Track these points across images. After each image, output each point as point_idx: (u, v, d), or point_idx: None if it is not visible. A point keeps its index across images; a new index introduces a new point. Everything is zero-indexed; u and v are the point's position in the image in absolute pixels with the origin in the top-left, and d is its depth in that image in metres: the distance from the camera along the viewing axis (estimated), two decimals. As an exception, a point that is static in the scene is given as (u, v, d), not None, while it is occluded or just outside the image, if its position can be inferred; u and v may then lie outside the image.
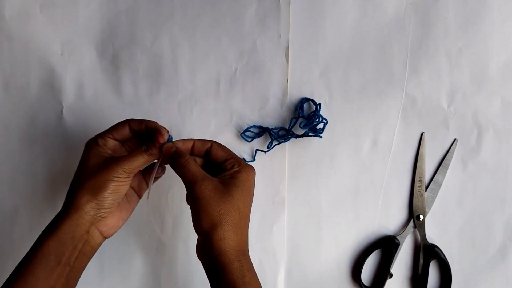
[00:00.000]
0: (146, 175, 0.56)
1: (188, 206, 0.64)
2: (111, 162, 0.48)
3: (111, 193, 0.48)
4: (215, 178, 0.50)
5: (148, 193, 0.55)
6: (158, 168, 0.54)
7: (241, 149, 0.64)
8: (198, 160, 0.53)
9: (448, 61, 0.61)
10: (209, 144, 0.53)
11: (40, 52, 0.65)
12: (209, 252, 0.48)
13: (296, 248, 0.64)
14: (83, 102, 0.65)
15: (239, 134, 0.64)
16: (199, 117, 0.64)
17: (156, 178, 0.56)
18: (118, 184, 0.48)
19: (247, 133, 0.64)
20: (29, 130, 0.66)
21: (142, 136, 0.53)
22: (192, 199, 0.48)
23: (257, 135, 0.64)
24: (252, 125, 0.63)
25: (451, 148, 0.62)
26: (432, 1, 0.61)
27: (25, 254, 0.65)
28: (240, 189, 0.49)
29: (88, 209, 0.48)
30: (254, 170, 0.52)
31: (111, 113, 0.65)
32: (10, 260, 0.66)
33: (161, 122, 0.64)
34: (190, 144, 0.53)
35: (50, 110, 0.65)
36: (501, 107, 0.61)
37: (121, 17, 0.64)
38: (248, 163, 0.63)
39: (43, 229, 0.65)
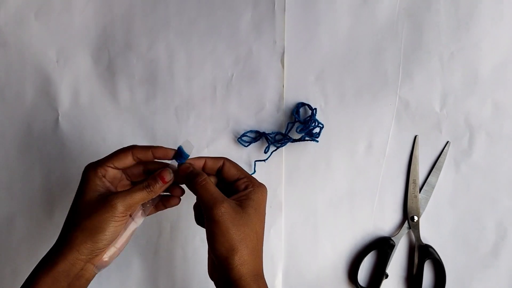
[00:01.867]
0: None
1: (185, 211, 0.65)
2: (109, 200, 0.46)
3: (107, 235, 0.46)
4: (231, 199, 0.48)
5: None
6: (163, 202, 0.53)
7: (238, 154, 0.64)
8: (213, 179, 0.52)
9: (440, 65, 0.62)
10: (221, 162, 0.51)
11: (35, 59, 0.65)
12: (226, 276, 0.47)
13: (293, 250, 0.65)
14: (79, 109, 0.65)
15: (236, 139, 0.64)
16: (196, 123, 0.64)
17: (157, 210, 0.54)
18: (116, 224, 0.46)
19: (244, 138, 0.64)
20: (25, 137, 0.65)
21: (147, 162, 0.51)
22: (211, 221, 0.46)
23: (254, 140, 0.64)
24: (248, 130, 0.64)
25: (444, 150, 0.63)
26: (425, 6, 0.62)
27: (21, 262, 0.65)
28: (257, 211, 0.48)
29: (83, 250, 0.46)
30: (266, 188, 0.51)
31: (108, 120, 0.65)
32: (7, 267, 0.66)
33: (158, 128, 0.65)
34: (201, 163, 0.51)
35: (46, 117, 0.65)
36: (492, 110, 0.62)
37: (117, 24, 0.64)
38: (253, 175, 0.63)
39: (40, 236, 0.66)
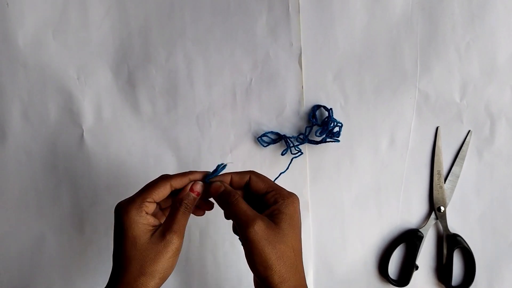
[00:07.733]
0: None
1: (213, 217, 0.65)
2: (166, 239, 0.46)
3: (174, 267, 0.47)
4: (264, 214, 0.47)
5: None
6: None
7: (262, 158, 0.65)
8: (239, 193, 0.51)
9: (457, 56, 0.62)
10: (247, 177, 0.50)
11: (56, 78, 0.65)
12: None
13: (322, 249, 0.65)
14: (103, 124, 0.65)
15: (256, 139, 0.64)
16: (218, 129, 0.65)
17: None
18: (178, 256, 0.47)
19: (264, 138, 0.64)
20: (51, 155, 0.66)
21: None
22: (246, 241, 0.46)
23: (273, 141, 0.64)
24: (269, 130, 0.64)
25: (466, 139, 0.64)
26: (438, -2, 0.62)
27: (55, 280, 0.65)
28: (291, 225, 0.47)
29: None
30: (298, 198, 0.49)
31: (131, 132, 0.65)
32: (41, 285, 0.67)
33: (181, 137, 0.65)
34: (228, 179, 0.50)
35: (70, 134, 0.66)
36: (511, 97, 0.62)
37: (134, 37, 0.65)
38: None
39: (72, 253, 0.67)
